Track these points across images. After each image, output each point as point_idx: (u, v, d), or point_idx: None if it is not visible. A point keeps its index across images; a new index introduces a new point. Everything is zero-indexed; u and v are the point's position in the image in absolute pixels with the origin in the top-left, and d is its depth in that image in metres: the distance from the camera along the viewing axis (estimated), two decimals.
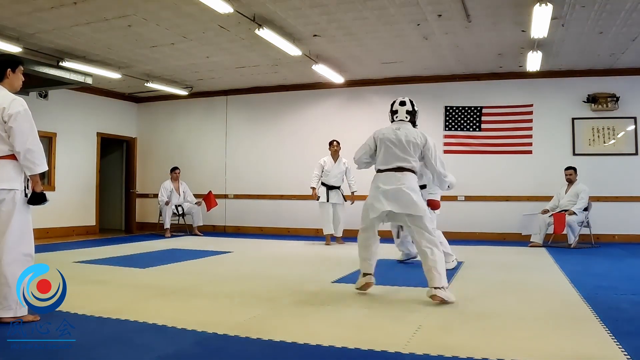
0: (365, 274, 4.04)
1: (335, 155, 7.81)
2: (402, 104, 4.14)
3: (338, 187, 7.74)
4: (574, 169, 7.54)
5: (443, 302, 3.57)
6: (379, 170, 3.99)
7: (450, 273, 4.96)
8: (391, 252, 6.85)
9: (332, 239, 7.80)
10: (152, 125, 10.72)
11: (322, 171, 7.75)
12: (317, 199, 7.70)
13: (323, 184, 7.73)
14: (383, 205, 3.82)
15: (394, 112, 4.17)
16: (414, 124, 4.19)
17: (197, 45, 6.95)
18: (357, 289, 4.05)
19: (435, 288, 3.61)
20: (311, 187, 7.75)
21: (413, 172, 3.94)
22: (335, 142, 7.85)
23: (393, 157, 3.92)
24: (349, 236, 8.00)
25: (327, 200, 7.65)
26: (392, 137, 3.98)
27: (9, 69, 3.12)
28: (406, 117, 4.12)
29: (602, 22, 5.86)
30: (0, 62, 3.16)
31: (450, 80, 8.65)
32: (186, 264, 5.79)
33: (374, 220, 3.96)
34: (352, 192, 7.74)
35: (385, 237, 7.95)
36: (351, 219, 8.10)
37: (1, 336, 2.74)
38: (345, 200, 7.72)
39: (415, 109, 4.19)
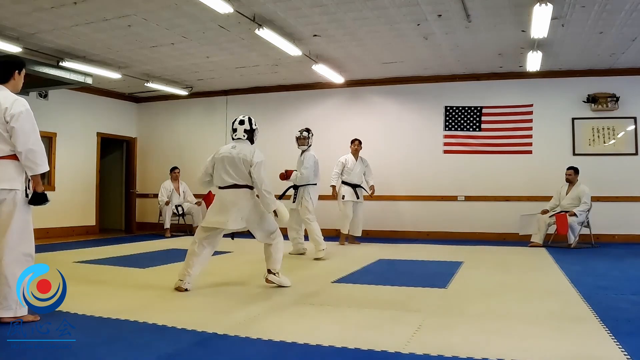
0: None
1: (356, 153, 7.73)
2: (241, 122, 4.54)
3: (360, 186, 7.64)
4: (575, 169, 7.52)
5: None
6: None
7: (451, 273, 4.97)
8: (391, 252, 6.86)
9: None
10: (152, 125, 10.71)
11: (343, 169, 7.62)
12: (341, 198, 7.51)
13: (346, 182, 7.58)
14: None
15: (233, 130, 4.53)
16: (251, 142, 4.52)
17: (197, 45, 6.95)
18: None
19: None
20: (331, 186, 7.57)
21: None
22: (357, 141, 7.76)
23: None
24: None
25: (357, 198, 7.53)
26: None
27: (16, 71, 3.15)
28: (244, 136, 4.52)
29: (602, 22, 5.86)
30: (9, 63, 3.18)
31: (450, 80, 8.65)
32: None
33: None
34: (371, 186, 7.64)
35: (383, 237, 7.99)
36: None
37: (1, 336, 2.74)
38: (358, 198, 7.59)
39: (254, 127, 4.60)
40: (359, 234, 7.72)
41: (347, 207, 7.54)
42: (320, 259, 6.10)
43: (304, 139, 6.61)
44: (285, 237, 5.50)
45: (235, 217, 4.17)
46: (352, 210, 7.56)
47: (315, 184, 6.66)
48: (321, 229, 6.38)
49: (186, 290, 4.10)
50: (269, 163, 10.62)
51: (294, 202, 6.61)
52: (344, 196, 7.54)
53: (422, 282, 4.51)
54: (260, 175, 4.29)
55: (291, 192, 6.77)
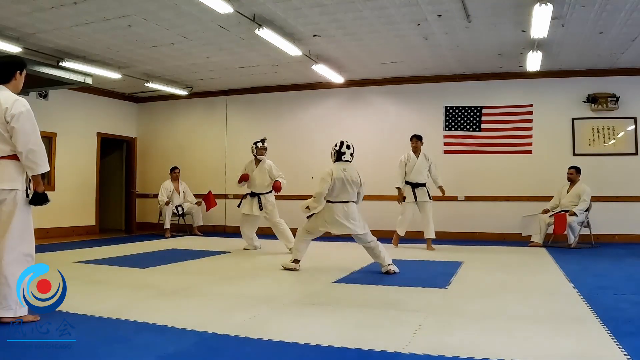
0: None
1: (416, 151, 7.34)
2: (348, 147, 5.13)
3: (424, 184, 7.24)
4: (576, 168, 7.53)
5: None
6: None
7: (451, 273, 4.97)
8: (391, 252, 6.86)
9: (401, 240, 7.33)
10: (152, 125, 10.72)
11: (405, 169, 7.25)
12: (403, 200, 7.21)
13: (407, 182, 7.23)
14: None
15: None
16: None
17: (197, 45, 6.95)
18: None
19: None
20: (396, 187, 7.26)
21: None
22: (413, 138, 7.37)
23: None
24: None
25: (415, 200, 7.16)
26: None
27: (17, 71, 3.16)
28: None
29: (602, 22, 5.86)
30: (11, 63, 3.19)
31: (450, 80, 8.65)
32: (186, 264, 5.80)
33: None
34: (439, 187, 7.30)
35: (383, 237, 7.99)
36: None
37: (1, 336, 2.74)
38: (430, 198, 7.22)
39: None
40: (431, 236, 7.14)
41: (405, 207, 7.23)
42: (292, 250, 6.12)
43: (264, 149, 6.91)
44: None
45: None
46: (409, 211, 7.25)
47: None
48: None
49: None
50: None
51: (261, 209, 6.83)
52: (404, 197, 7.25)
53: (422, 282, 4.51)
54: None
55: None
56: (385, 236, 8.10)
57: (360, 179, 5.16)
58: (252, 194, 6.89)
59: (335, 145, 5.16)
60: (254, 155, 6.91)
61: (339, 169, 5.04)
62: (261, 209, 6.79)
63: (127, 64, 7.91)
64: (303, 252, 5.32)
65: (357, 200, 5.20)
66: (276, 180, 6.76)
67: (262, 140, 6.95)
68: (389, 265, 5.03)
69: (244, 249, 7.15)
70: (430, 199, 7.27)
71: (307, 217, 5.28)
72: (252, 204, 6.84)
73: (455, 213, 8.61)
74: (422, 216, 7.26)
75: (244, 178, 6.85)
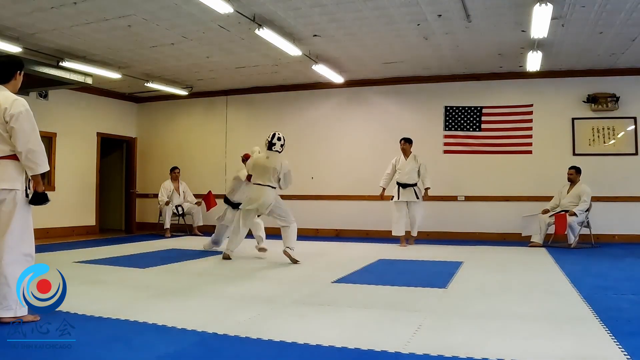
0: None
1: (405, 153, 7.62)
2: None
3: (412, 185, 7.47)
4: (576, 168, 7.53)
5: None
6: None
7: (451, 273, 4.98)
8: (391, 252, 6.86)
9: (406, 240, 7.58)
10: (152, 125, 10.71)
11: (395, 170, 7.60)
12: (390, 199, 7.54)
13: (397, 183, 7.52)
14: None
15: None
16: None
17: (197, 45, 6.95)
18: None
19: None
20: (380, 186, 7.65)
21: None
22: (402, 141, 7.67)
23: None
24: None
25: (398, 199, 7.46)
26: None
27: (17, 71, 3.17)
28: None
29: (602, 22, 5.86)
30: (10, 63, 3.19)
31: (450, 80, 8.65)
32: (186, 264, 5.79)
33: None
34: (426, 189, 7.52)
35: (384, 237, 7.99)
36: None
37: (1, 336, 2.74)
38: (418, 198, 7.47)
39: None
40: (413, 234, 7.62)
41: (394, 207, 7.51)
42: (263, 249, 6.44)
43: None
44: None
45: None
46: (400, 211, 7.48)
47: None
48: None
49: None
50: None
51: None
52: (392, 197, 7.55)
53: (422, 282, 4.51)
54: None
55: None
56: (386, 236, 8.13)
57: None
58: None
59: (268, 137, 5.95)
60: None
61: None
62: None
63: (127, 64, 7.91)
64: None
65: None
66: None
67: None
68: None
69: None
70: (418, 199, 7.49)
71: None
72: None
73: (455, 213, 8.61)
74: (409, 215, 7.57)
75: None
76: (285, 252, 5.74)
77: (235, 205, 6.64)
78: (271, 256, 6.58)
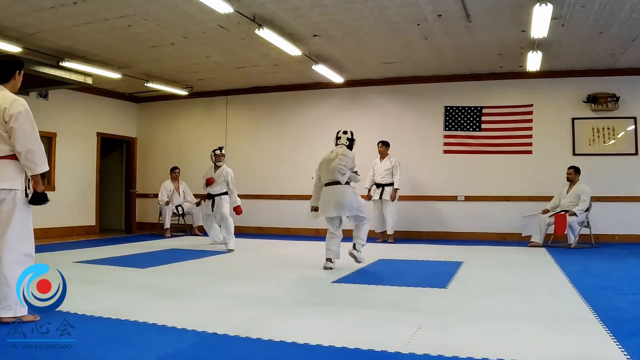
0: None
1: (381, 155, 8.25)
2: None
3: (386, 185, 8.07)
4: (576, 168, 7.53)
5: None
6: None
7: (451, 273, 4.98)
8: (391, 252, 6.86)
9: (398, 240, 8.07)
10: (152, 125, 10.71)
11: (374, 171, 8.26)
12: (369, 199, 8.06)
13: (375, 183, 8.20)
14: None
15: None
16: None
17: (197, 45, 6.95)
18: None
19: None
20: (365, 187, 8.15)
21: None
22: (379, 143, 8.27)
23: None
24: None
25: (380, 198, 8.05)
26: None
27: (17, 71, 3.17)
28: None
29: (602, 22, 5.86)
30: (10, 63, 3.19)
31: (450, 80, 8.65)
32: (186, 264, 5.79)
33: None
34: (395, 190, 8.04)
35: (375, 237, 7.98)
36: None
37: (1, 336, 2.74)
38: (388, 198, 8.02)
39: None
40: (390, 232, 8.09)
41: (371, 206, 7.96)
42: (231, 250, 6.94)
43: (222, 156, 7.46)
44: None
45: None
46: (375, 209, 8.06)
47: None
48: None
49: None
50: (270, 163, 10.61)
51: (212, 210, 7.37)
52: (371, 196, 8.13)
53: (422, 282, 4.51)
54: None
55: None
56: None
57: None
58: (209, 196, 7.43)
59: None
60: (213, 162, 7.48)
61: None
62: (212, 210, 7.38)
63: (127, 64, 7.91)
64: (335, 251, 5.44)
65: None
66: (238, 206, 7.32)
67: (220, 148, 7.58)
68: None
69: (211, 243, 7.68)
70: (388, 199, 8.03)
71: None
72: (209, 204, 7.43)
73: (455, 213, 8.61)
74: (383, 214, 8.13)
75: (209, 182, 7.34)
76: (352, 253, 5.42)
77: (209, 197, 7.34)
78: (271, 257, 6.58)
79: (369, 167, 8.27)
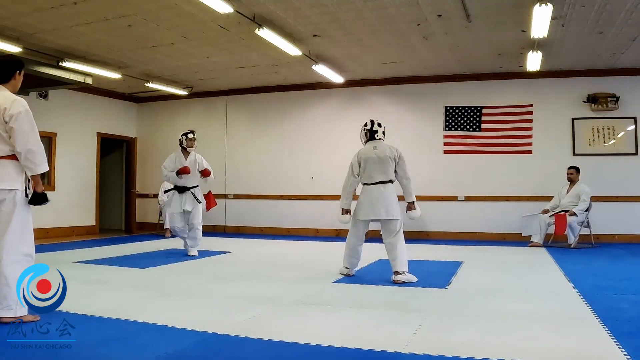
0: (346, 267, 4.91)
1: None
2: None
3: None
4: (576, 168, 7.54)
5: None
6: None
7: (451, 273, 4.98)
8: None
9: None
10: (152, 125, 10.71)
11: None
12: None
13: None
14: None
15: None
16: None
17: (197, 45, 6.95)
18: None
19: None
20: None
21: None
22: None
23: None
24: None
25: None
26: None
27: (17, 71, 3.17)
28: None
29: (602, 22, 5.86)
30: (10, 63, 3.19)
31: (450, 80, 8.65)
32: (186, 264, 5.79)
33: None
34: None
35: (373, 237, 7.98)
36: None
37: (1, 336, 2.74)
38: None
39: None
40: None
41: None
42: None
43: (194, 140, 6.63)
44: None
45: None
46: None
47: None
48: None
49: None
50: (270, 163, 10.64)
51: (199, 202, 6.47)
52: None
53: (422, 282, 4.51)
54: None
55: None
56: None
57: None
58: (181, 189, 6.43)
59: (366, 125, 4.88)
60: (183, 147, 6.56)
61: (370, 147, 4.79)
62: (199, 202, 6.47)
63: (127, 64, 7.91)
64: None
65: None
66: (206, 169, 6.51)
67: (193, 132, 6.74)
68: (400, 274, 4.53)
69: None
70: None
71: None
72: (181, 200, 6.40)
73: (455, 213, 8.61)
74: None
75: (185, 171, 6.35)
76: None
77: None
78: (271, 257, 6.58)
79: None
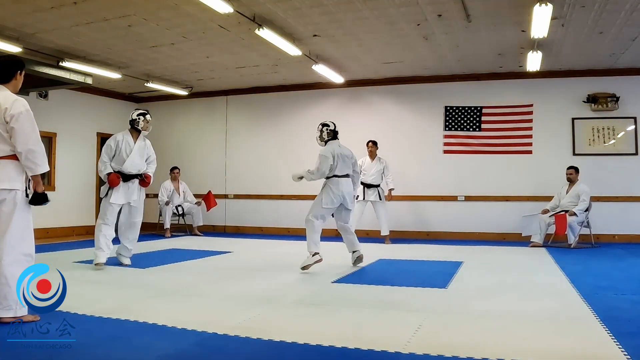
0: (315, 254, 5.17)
1: (371, 155, 8.01)
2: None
3: (376, 186, 7.86)
4: (575, 168, 7.54)
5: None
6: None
7: (451, 273, 4.98)
8: (391, 252, 6.86)
9: (395, 240, 7.97)
10: (152, 125, 10.67)
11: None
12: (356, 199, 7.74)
13: (362, 183, 7.69)
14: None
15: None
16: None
17: (197, 45, 6.95)
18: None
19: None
20: None
21: None
22: (370, 143, 8.04)
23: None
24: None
25: (364, 199, 7.79)
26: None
27: (18, 71, 3.17)
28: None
29: (602, 22, 5.86)
30: (11, 63, 3.19)
31: (450, 80, 8.65)
32: (186, 264, 5.80)
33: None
34: (390, 190, 7.89)
35: (375, 237, 7.98)
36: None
37: (1, 336, 2.74)
38: (381, 199, 7.85)
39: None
40: (385, 233, 7.87)
41: (356, 205, 7.45)
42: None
43: (149, 123, 5.68)
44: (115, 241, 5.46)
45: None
46: (362, 209, 7.81)
47: None
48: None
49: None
50: (270, 163, 10.62)
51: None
52: (358, 196, 7.78)
53: (422, 282, 4.51)
54: None
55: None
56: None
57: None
58: (125, 177, 5.41)
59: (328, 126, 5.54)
60: (135, 128, 5.54)
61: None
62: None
63: (127, 64, 7.91)
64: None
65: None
66: (148, 174, 5.60)
67: (149, 113, 5.73)
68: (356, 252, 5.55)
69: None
70: (381, 199, 7.84)
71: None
72: (127, 189, 5.46)
73: (455, 213, 8.61)
74: (377, 216, 7.95)
75: (114, 183, 5.35)
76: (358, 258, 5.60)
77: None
78: (271, 257, 6.58)
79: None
